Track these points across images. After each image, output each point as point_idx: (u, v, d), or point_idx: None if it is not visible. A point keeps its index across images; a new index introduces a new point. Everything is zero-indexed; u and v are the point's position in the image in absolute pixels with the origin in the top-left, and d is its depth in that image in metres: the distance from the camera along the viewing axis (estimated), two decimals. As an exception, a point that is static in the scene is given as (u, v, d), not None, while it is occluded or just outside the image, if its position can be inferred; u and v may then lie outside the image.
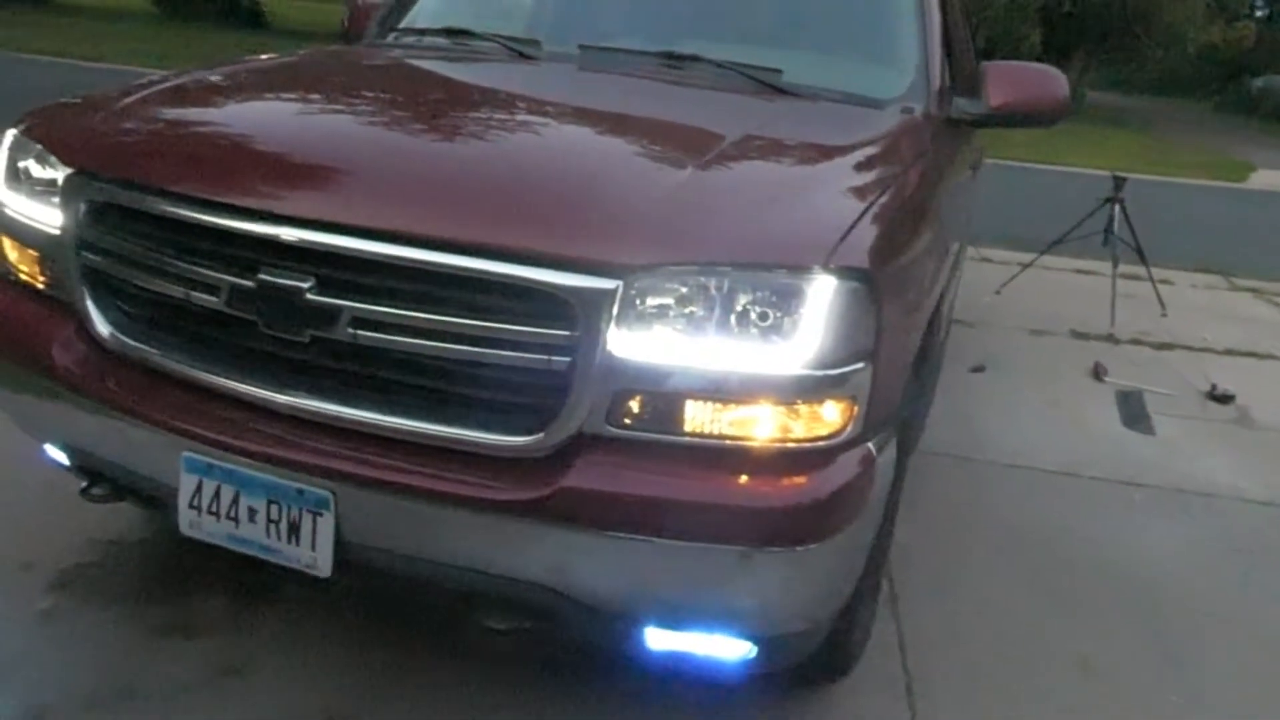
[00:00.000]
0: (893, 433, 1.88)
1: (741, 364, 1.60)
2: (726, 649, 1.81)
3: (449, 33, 2.92)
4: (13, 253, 2.12)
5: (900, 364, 1.89)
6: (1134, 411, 4.53)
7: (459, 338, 1.64)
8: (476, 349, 1.63)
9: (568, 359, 1.61)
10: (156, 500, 1.95)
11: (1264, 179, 14.10)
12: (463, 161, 1.86)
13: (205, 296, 1.78)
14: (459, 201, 1.70)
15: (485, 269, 1.60)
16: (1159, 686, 2.50)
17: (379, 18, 3.37)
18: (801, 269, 1.60)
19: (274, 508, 1.73)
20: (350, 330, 1.67)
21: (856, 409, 1.69)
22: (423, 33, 3.07)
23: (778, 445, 1.65)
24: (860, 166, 2.04)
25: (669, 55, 2.65)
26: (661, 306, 1.59)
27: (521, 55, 2.73)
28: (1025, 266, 6.63)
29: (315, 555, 1.72)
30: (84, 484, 2.08)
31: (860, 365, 1.66)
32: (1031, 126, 2.81)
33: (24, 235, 2.04)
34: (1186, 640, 2.70)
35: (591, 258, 1.58)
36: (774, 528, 1.62)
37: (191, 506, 1.79)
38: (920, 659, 2.51)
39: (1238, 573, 3.09)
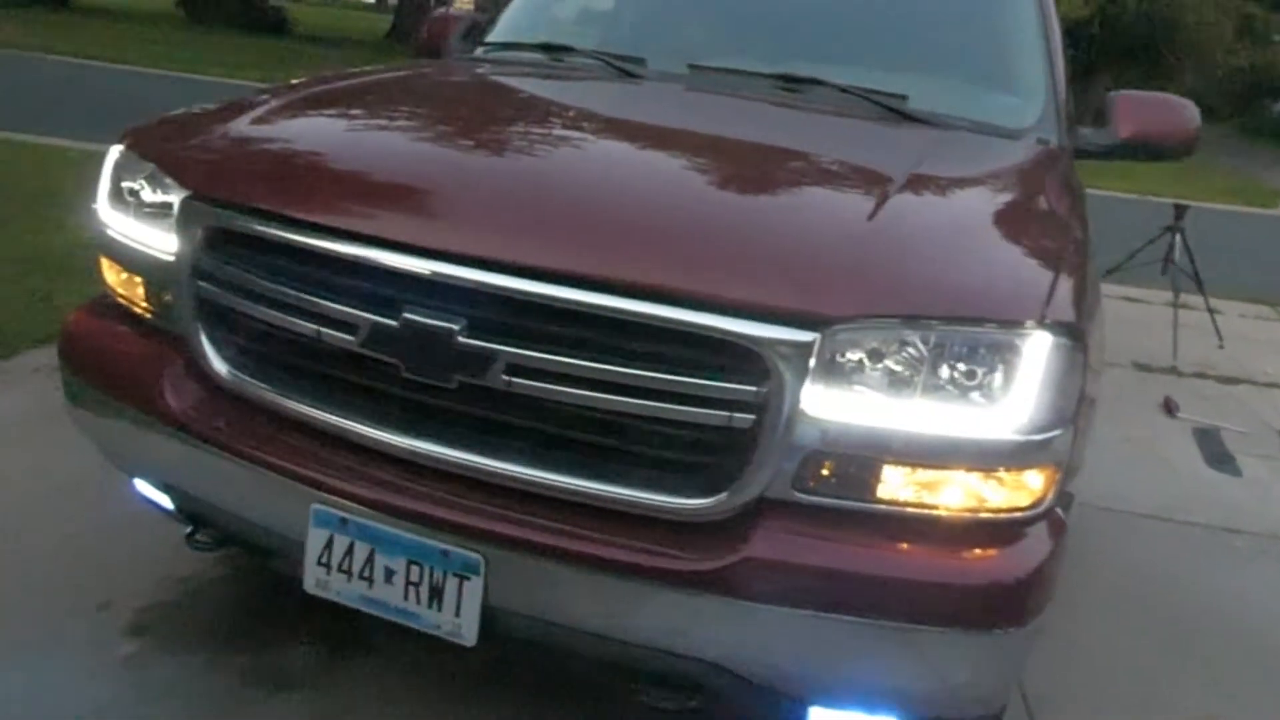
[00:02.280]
0: (1071, 496, 1.74)
1: (947, 426, 1.46)
2: (897, 731, 1.67)
3: (547, 49, 2.79)
4: (113, 276, 1.99)
5: (1086, 423, 1.75)
6: (1215, 450, 4.38)
7: (630, 390, 1.49)
8: (649, 402, 1.49)
9: (751, 416, 1.47)
10: (272, 553, 1.80)
11: (1294, 205, 13.96)
12: (632, 197, 1.71)
13: (339, 335, 1.64)
14: (640, 242, 1.56)
15: (669, 316, 1.45)
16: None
17: (461, 30, 3.25)
18: (1014, 324, 1.45)
19: (415, 569, 1.58)
20: (506, 378, 1.53)
21: (1058, 475, 1.55)
22: (515, 47, 2.94)
23: (977, 516, 1.51)
24: (1033, 208, 1.90)
25: (786, 78, 2.51)
26: (861, 362, 1.45)
27: (628, 74, 2.60)
28: (1079, 294, 6.47)
29: (459, 622, 1.58)
30: (189, 530, 1.93)
31: (1063, 429, 1.52)
32: (1160, 160, 2.68)
33: (130, 260, 1.90)
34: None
35: (790, 307, 1.44)
36: (978, 608, 1.48)
37: (320, 564, 1.64)
38: (1049, 720, 2.36)
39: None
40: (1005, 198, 1.92)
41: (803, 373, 1.44)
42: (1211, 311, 6.22)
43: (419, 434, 1.61)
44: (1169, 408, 4.83)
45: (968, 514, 1.51)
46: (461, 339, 1.53)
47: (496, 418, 1.58)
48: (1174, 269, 6.04)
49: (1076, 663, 2.59)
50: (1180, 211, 6.19)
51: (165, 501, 1.97)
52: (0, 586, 2.39)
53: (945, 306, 1.46)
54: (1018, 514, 1.53)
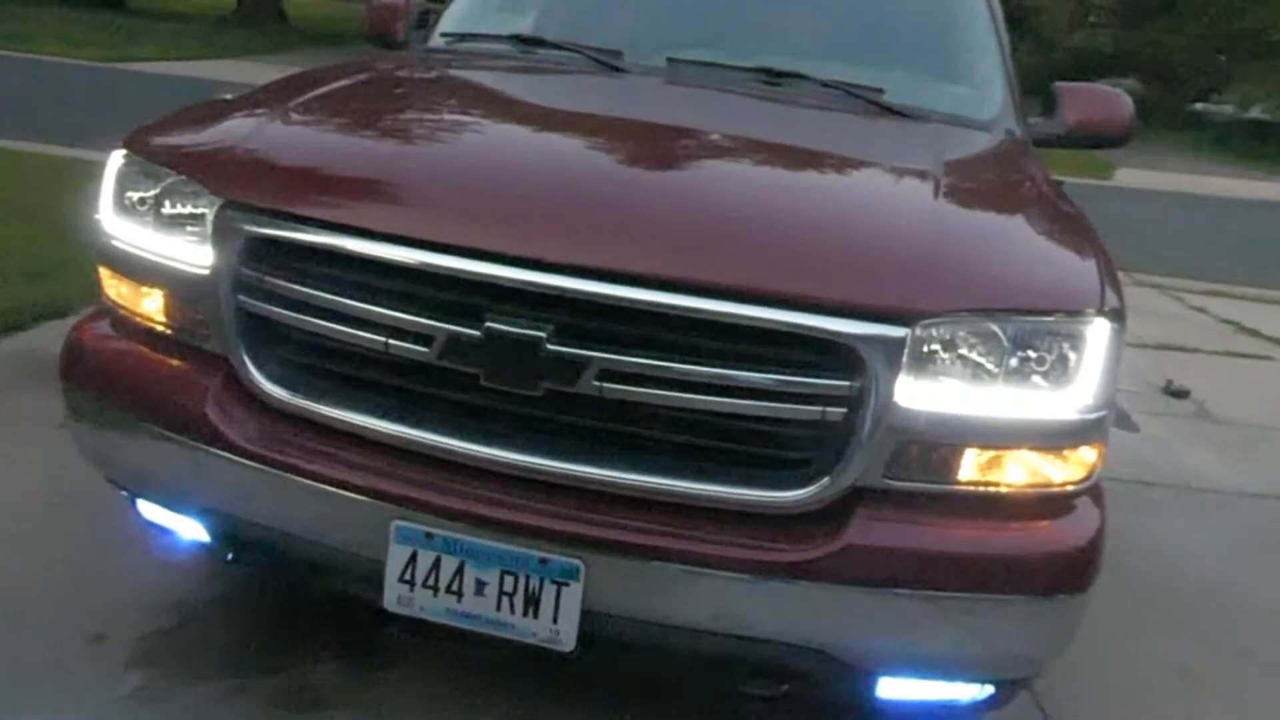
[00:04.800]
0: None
1: (1022, 410, 1.57)
2: (962, 692, 1.78)
3: (520, 40, 2.75)
4: (119, 290, 1.87)
5: None
6: (1112, 409, 4.76)
7: (723, 390, 1.53)
8: (742, 401, 1.54)
9: (844, 410, 1.53)
10: (333, 573, 1.75)
11: (1127, 177, 15.13)
12: (715, 201, 1.73)
13: (412, 347, 1.60)
14: (733, 245, 1.59)
15: (766, 317, 1.50)
16: (1255, 690, 2.62)
17: (412, 20, 3.15)
18: (1079, 314, 1.58)
19: (509, 579, 1.58)
20: (597, 384, 1.54)
21: (1104, 449, 1.68)
22: (480, 38, 2.89)
23: (1041, 491, 1.63)
24: (1047, 198, 2.03)
25: (767, 71, 2.57)
26: (947, 353, 1.54)
27: (610, 68, 2.59)
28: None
29: (558, 629, 1.58)
30: (229, 555, 1.85)
31: (1110, 407, 1.65)
32: (1101, 147, 2.89)
33: (147, 274, 1.79)
34: (1267, 642, 2.82)
35: (883, 305, 1.51)
36: (1051, 576, 1.61)
37: (402, 580, 1.61)
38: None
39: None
40: (1022, 190, 2.05)
41: (895, 366, 1.51)
42: (1083, 278, 6.71)
43: (504, 444, 1.60)
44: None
45: (1033, 489, 1.63)
46: (550, 346, 1.53)
47: (587, 423, 1.58)
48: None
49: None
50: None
51: (185, 526, 1.88)
52: (-25, 626, 2.22)
53: (1021, 299, 1.57)
54: (1072, 487, 1.66)
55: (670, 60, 2.62)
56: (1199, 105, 21.54)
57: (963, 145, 2.31)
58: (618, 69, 2.59)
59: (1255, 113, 20.05)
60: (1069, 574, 1.63)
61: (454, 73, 2.57)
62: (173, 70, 13.26)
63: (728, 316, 1.51)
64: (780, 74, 2.56)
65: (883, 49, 2.86)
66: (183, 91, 11.20)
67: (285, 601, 2.39)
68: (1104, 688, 2.53)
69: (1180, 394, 5.06)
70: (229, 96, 2.10)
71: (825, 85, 2.53)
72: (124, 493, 1.99)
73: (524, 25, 2.94)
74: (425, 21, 3.15)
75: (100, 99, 10.43)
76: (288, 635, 2.29)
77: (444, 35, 2.96)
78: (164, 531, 2.03)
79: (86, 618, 2.28)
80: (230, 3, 21.21)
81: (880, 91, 2.54)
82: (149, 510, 1.98)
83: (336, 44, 19.42)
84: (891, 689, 1.74)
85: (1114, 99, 2.83)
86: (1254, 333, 6.47)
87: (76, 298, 4.18)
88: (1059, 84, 2.88)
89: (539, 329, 1.53)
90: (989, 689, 1.76)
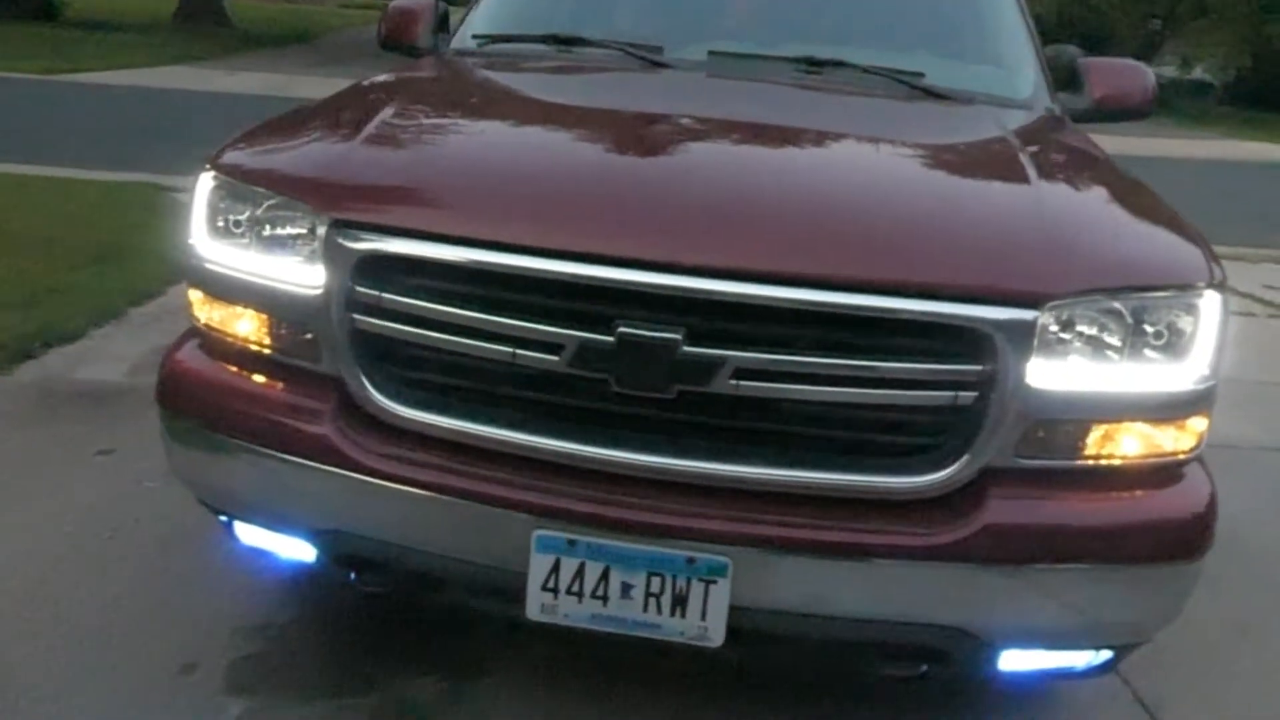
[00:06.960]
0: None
1: (1144, 384, 1.62)
2: (1079, 659, 1.83)
3: (558, 40, 2.74)
4: (214, 313, 1.84)
5: None
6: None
7: (857, 381, 1.56)
8: (876, 391, 1.56)
9: (975, 393, 1.56)
10: (462, 585, 1.74)
11: (1082, 143, 15.44)
12: (824, 192, 1.75)
13: (540, 356, 1.60)
14: (862, 238, 1.61)
15: (898, 308, 1.53)
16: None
17: (432, 24, 3.11)
18: (1192, 288, 1.63)
19: (655, 580, 1.59)
20: (733, 382, 1.55)
21: (1212, 417, 1.74)
22: (515, 39, 2.87)
23: (1157, 461, 1.69)
24: (1123, 173, 2.08)
25: (808, 60, 2.59)
26: (1074, 333, 1.58)
27: (652, 63, 2.59)
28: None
29: (705, 625, 1.60)
30: (352, 575, 1.83)
31: (1219, 377, 1.71)
32: (1126, 119, 2.95)
33: (248, 297, 1.77)
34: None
35: (1013, 289, 1.55)
36: (1182, 541, 1.66)
37: (546, 589, 1.61)
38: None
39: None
40: (1097, 165, 2.10)
41: (1025, 348, 1.55)
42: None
43: (637, 446, 1.61)
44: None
45: (1152, 460, 1.68)
46: (685, 348, 1.54)
47: (722, 422, 1.60)
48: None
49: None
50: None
51: (286, 547, 1.86)
52: (59, 661, 2.17)
53: (1141, 277, 1.62)
54: (1184, 455, 1.71)
55: (711, 53, 2.63)
56: (1141, 69, 22.00)
57: (1018, 124, 2.35)
58: (661, 64, 2.59)
59: (1197, 73, 20.55)
60: (1190, 539, 1.68)
61: (515, 77, 2.56)
62: (120, 80, 12.92)
63: (861, 309, 1.53)
64: (821, 62, 2.58)
65: (914, 33, 2.90)
66: (136, 101, 11.00)
67: (369, 617, 2.37)
68: (1171, 647, 2.58)
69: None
70: (299, 109, 2.08)
71: (867, 71, 2.55)
72: (223, 517, 1.97)
73: (557, 23, 2.91)
74: (445, 25, 3.12)
75: (52, 113, 10.14)
76: (378, 651, 2.28)
77: (476, 37, 2.93)
78: (262, 554, 2.01)
79: (172, 647, 2.24)
80: (166, 9, 20.69)
81: (921, 75, 2.57)
82: (248, 533, 1.96)
83: (280, 46, 19.08)
84: (1014, 661, 1.79)
85: (1137, 72, 2.90)
86: (1235, 290, 6.65)
87: (82, 322, 4.11)
88: (1084, 59, 2.94)
89: (673, 332, 1.54)
90: (1105, 654, 1.81)
